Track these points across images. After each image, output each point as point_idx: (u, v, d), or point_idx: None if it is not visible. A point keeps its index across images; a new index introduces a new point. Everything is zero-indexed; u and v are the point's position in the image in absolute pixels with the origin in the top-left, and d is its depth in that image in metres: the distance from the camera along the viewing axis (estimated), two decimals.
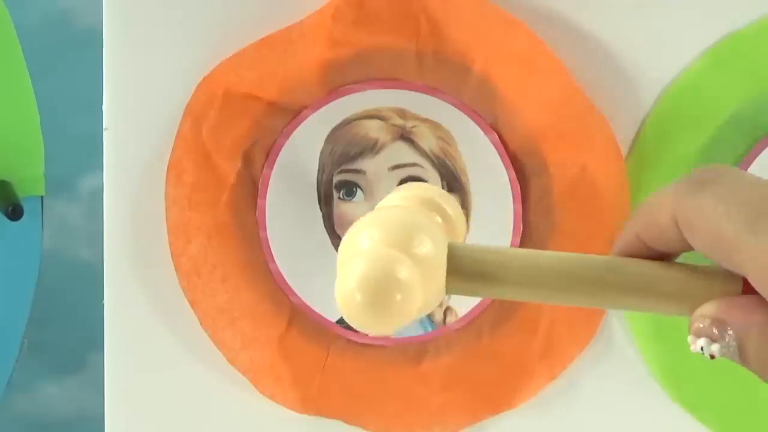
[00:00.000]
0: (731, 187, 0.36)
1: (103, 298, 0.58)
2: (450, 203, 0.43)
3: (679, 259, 0.40)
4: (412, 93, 0.56)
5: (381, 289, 0.36)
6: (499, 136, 0.56)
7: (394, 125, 0.57)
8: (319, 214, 0.57)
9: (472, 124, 0.56)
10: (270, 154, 0.57)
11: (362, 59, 0.56)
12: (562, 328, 0.57)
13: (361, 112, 0.57)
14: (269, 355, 0.57)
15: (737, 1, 0.56)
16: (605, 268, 0.39)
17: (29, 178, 0.65)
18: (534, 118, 0.56)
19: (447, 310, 0.57)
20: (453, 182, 0.57)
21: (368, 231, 0.38)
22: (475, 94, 0.56)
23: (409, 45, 0.56)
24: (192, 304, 0.57)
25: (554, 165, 0.56)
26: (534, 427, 0.59)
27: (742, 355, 0.36)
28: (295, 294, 0.57)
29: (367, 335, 0.57)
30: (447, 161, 0.57)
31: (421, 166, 0.57)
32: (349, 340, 0.58)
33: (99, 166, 0.57)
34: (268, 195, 0.57)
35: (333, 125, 0.57)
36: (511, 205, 0.57)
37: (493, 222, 0.57)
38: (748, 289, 0.37)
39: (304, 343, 0.58)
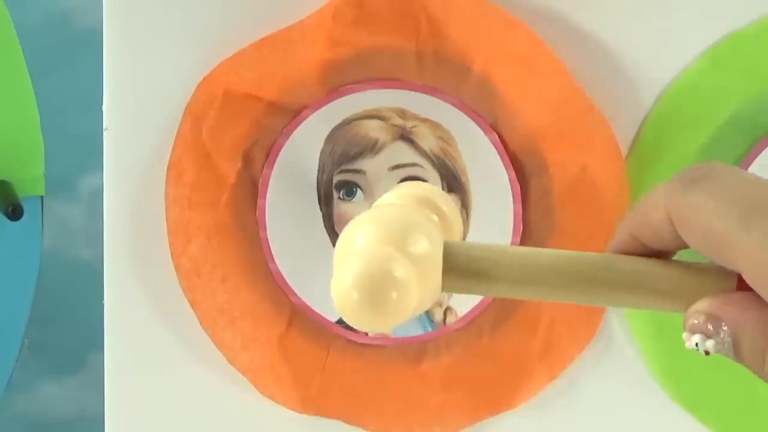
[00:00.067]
0: (723, 184, 0.36)
1: (103, 298, 0.58)
2: (446, 202, 0.43)
3: (675, 257, 0.40)
4: (412, 93, 0.56)
5: (377, 287, 0.36)
6: (499, 136, 0.56)
7: (394, 125, 0.57)
8: (319, 214, 0.57)
9: (472, 124, 0.56)
10: (270, 154, 0.57)
11: (362, 59, 0.56)
12: (562, 327, 0.57)
13: (361, 112, 0.57)
14: (269, 355, 0.57)
15: (737, 1, 0.56)
16: (600, 265, 0.39)
17: (29, 178, 0.65)
18: (534, 118, 0.56)
19: (447, 310, 0.57)
20: (453, 182, 0.57)
21: (364, 229, 0.38)
22: (475, 94, 0.56)
23: (409, 45, 0.56)
24: (192, 304, 0.57)
25: (554, 165, 0.56)
26: (534, 427, 0.59)
27: (736, 351, 0.36)
28: (295, 294, 0.57)
29: (366, 335, 0.57)
30: (447, 161, 0.57)
31: (421, 166, 0.57)
32: (349, 340, 0.58)
33: (99, 166, 0.57)
34: (268, 195, 0.57)
35: (333, 125, 0.57)
36: (511, 205, 0.57)
37: (493, 222, 0.57)
38: (742, 285, 0.37)
39: (304, 343, 0.58)
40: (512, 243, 0.57)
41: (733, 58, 0.56)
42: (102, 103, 0.57)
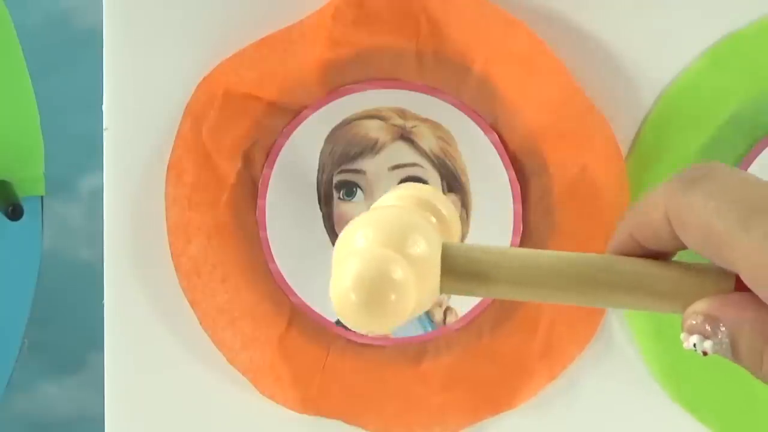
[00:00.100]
0: (722, 184, 0.36)
1: (103, 298, 0.58)
2: (444, 204, 0.43)
3: (674, 258, 0.40)
4: (412, 93, 0.56)
5: (375, 288, 0.36)
6: (499, 136, 0.56)
7: (394, 125, 0.57)
8: (319, 214, 0.57)
9: (472, 124, 0.56)
10: (270, 154, 0.57)
11: (362, 59, 0.56)
12: (562, 327, 0.57)
13: (361, 112, 0.57)
14: (269, 355, 0.57)
15: (737, 1, 0.56)
16: (598, 266, 0.39)
17: (29, 178, 0.65)
18: (534, 118, 0.56)
19: (447, 310, 0.57)
20: (453, 182, 0.57)
21: (363, 230, 0.38)
22: (475, 94, 0.56)
23: (409, 45, 0.56)
24: (192, 304, 0.57)
25: (554, 165, 0.56)
26: (534, 427, 0.59)
27: (734, 352, 0.36)
28: (295, 294, 0.57)
29: (366, 335, 0.57)
30: (447, 161, 0.57)
31: (421, 166, 0.57)
32: (348, 340, 0.58)
33: (99, 166, 0.57)
34: (268, 195, 0.57)
35: (333, 125, 0.57)
36: (511, 205, 0.57)
37: (493, 222, 0.57)
38: (740, 286, 0.37)
39: (304, 343, 0.58)
40: (512, 243, 0.57)
41: (733, 58, 0.56)
42: (102, 103, 0.57)
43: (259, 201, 0.57)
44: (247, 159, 0.57)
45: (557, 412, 0.58)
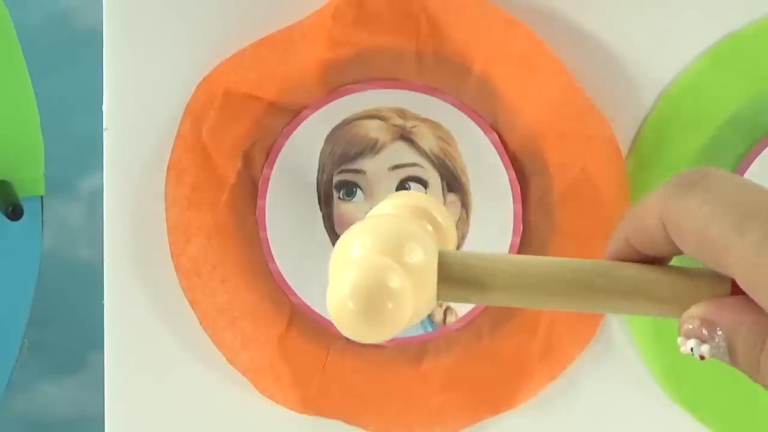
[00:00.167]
0: (717, 189, 0.36)
1: (103, 298, 0.58)
2: (441, 212, 0.44)
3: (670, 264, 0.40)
4: (412, 93, 0.56)
5: (373, 297, 0.36)
6: (499, 136, 0.56)
7: (394, 125, 0.57)
8: (319, 214, 0.57)
9: (472, 124, 0.56)
10: (270, 154, 0.57)
11: (362, 59, 0.56)
12: (561, 328, 0.57)
13: (361, 112, 0.57)
14: (269, 355, 0.57)
15: (737, 1, 0.56)
16: (595, 272, 0.39)
17: (29, 178, 0.65)
18: (534, 118, 0.56)
19: (447, 310, 0.57)
20: (453, 182, 0.57)
21: (360, 239, 0.38)
22: (475, 94, 0.56)
23: (409, 45, 0.56)
24: (192, 304, 0.57)
25: (554, 165, 0.56)
26: (534, 427, 0.59)
27: (731, 355, 0.37)
28: (295, 294, 0.57)
29: None
30: (447, 161, 0.57)
31: (421, 166, 0.57)
32: (349, 340, 0.58)
33: (99, 166, 0.57)
34: (268, 195, 0.57)
35: (333, 125, 0.57)
36: (511, 205, 0.57)
37: (493, 222, 0.57)
38: (736, 290, 0.37)
39: (304, 343, 0.58)
40: (512, 243, 0.57)
41: (733, 58, 0.56)
42: (102, 103, 0.57)
43: (259, 201, 0.57)
44: (247, 159, 0.57)
45: (557, 412, 0.58)
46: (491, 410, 0.58)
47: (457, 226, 0.57)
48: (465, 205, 0.57)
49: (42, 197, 0.66)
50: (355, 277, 0.36)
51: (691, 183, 0.37)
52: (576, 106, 0.56)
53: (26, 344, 0.67)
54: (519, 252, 0.57)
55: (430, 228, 0.43)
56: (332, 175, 0.57)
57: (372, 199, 0.57)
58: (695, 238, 0.36)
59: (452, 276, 0.39)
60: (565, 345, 0.57)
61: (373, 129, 0.57)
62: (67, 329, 1.05)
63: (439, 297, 0.39)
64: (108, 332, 0.58)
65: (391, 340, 0.58)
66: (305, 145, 0.57)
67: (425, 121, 0.56)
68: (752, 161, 0.56)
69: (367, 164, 0.57)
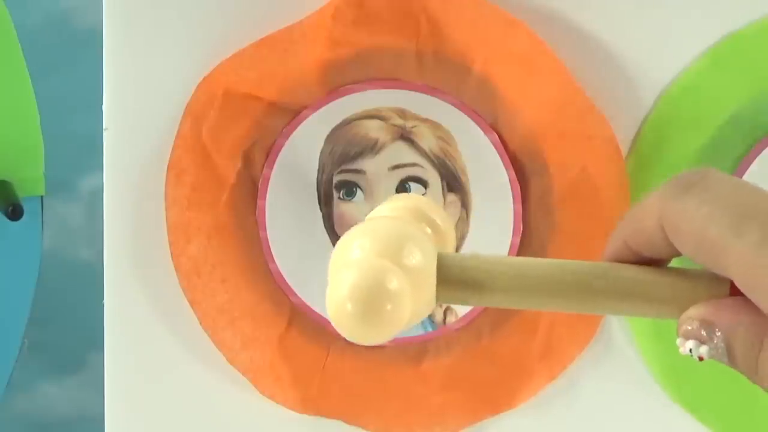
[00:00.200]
0: (715, 191, 0.36)
1: (103, 298, 0.58)
2: (439, 214, 0.44)
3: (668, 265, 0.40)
4: (412, 93, 0.56)
5: (371, 299, 0.36)
6: (499, 136, 0.56)
7: (394, 125, 0.57)
8: (319, 214, 0.57)
9: (472, 124, 0.56)
10: (270, 154, 0.57)
11: (362, 59, 0.56)
12: (561, 328, 0.57)
13: (361, 112, 0.57)
14: (269, 355, 0.57)
15: (737, 1, 0.56)
16: (593, 274, 0.39)
17: (29, 178, 0.65)
18: (534, 118, 0.56)
19: (447, 310, 0.57)
20: (453, 182, 0.57)
21: (359, 241, 0.38)
22: (475, 94, 0.56)
23: (409, 45, 0.56)
24: (192, 304, 0.57)
25: (554, 165, 0.56)
26: (534, 427, 0.59)
27: (730, 356, 0.37)
28: (295, 294, 0.57)
29: None
30: (447, 161, 0.57)
31: (421, 166, 0.57)
32: (348, 341, 0.57)
33: (99, 166, 0.57)
34: (268, 195, 0.57)
35: (333, 125, 0.57)
36: (511, 205, 0.57)
37: (493, 222, 0.57)
38: (734, 291, 0.37)
39: (304, 343, 0.58)
40: (512, 243, 0.57)
41: (733, 58, 0.56)
42: (102, 103, 0.57)
43: (259, 201, 0.57)
44: (247, 159, 0.57)
45: (557, 412, 0.58)
46: (491, 410, 0.58)
47: (457, 226, 0.57)
48: (465, 205, 0.57)
49: (42, 197, 0.66)
50: (354, 278, 0.37)
51: (689, 184, 0.37)
52: (576, 106, 0.56)
53: (26, 344, 0.67)
54: (519, 252, 0.57)
55: (429, 230, 0.43)
56: (332, 175, 0.57)
57: (372, 199, 0.57)
58: (694, 239, 0.36)
59: (451, 278, 0.39)
60: (565, 345, 0.57)
61: (373, 129, 0.57)
62: (67, 329, 1.05)
63: (438, 299, 0.39)
64: (108, 332, 0.58)
65: (392, 340, 0.58)
66: (305, 145, 0.57)
67: (425, 121, 0.56)
68: (752, 161, 0.56)
69: (367, 164, 0.57)
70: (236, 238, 0.57)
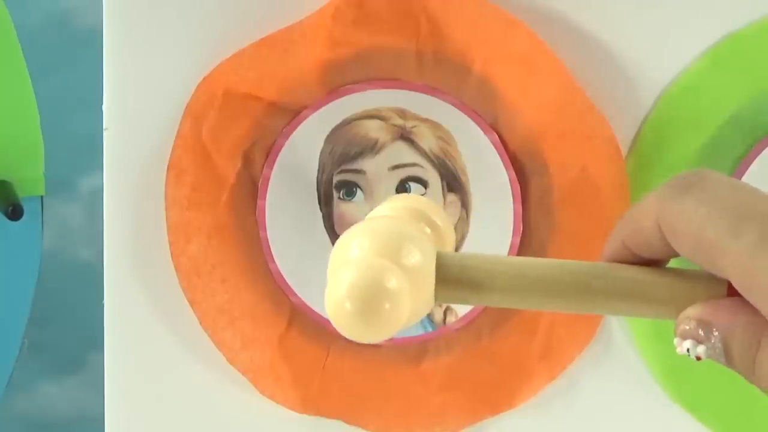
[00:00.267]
0: (713, 192, 0.37)
1: (103, 298, 0.58)
2: (439, 214, 0.44)
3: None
4: (412, 93, 0.56)
5: (370, 297, 0.36)
6: (499, 136, 0.56)
7: (394, 125, 0.57)
8: (319, 214, 0.57)
9: (472, 124, 0.56)
10: (270, 154, 0.57)
11: (362, 59, 0.56)
12: (561, 328, 0.57)
13: (361, 112, 0.57)
14: (269, 355, 0.57)
15: (737, 1, 0.56)
16: (592, 274, 0.39)
17: (29, 178, 0.65)
18: (534, 118, 0.56)
19: (447, 310, 0.57)
20: (453, 182, 0.57)
21: (358, 240, 0.38)
22: (475, 94, 0.56)
23: (409, 45, 0.56)
24: (192, 304, 0.57)
25: (554, 165, 0.56)
26: (534, 427, 0.59)
27: (727, 356, 0.37)
28: (295, 294, 0.57)
29: None
30: (447, 161, 0.57)
31: (421, 166, 0.57)
32: (348, 340, 0.57)
33: (99, 166, 0.57)
34: (268, 195, 0.57)
35: (333, 125, 0.57)
36: (511, 205, 0.57)
37: (493, 222, 0.57)
38: (732, 291, 0.37)
39: (304, 343, 0.58)
40: (512, 243, 0.57)
41: (733, 58, 0.56)
42: (102, 103, 0.57)
43: (259, 201, 0.57)
44: (247, 159, 0.57)
45: (557, 412, 0.58)
46: (491, 410, 0.58)
47: (457, 226, 0.57)
48: (465, 205, 0.57)
49: (42, 197, 0.66)
50: (352, 277, 0.37)
51: (687, 185, 0.37)
52: (576, 106, 0.56)
53: (26, 344, 0.67)
54: (519, 252, 0.57)
55: (428, 230, 0.43)
56: (332, 175, 0.57)
57: (372, 199, 0.57)
58: (691, 240, 0.36)
59: (450, 277, 0.39)
60: (565, 345, 0.57)
61: (373, 129, 0.57)
62: (67, 329, 1.05)
63: (437, 298, 0.39)
64: (108, 332, 0.58)
65: (391, 340, 0.58)
66: (305, 145, 0.57)
67: (425, 121, 0.56)
68: (752, 161, 0.56)
69: (367, 164, 0.57)
70: (236, 238, 0.57)
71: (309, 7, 0.56)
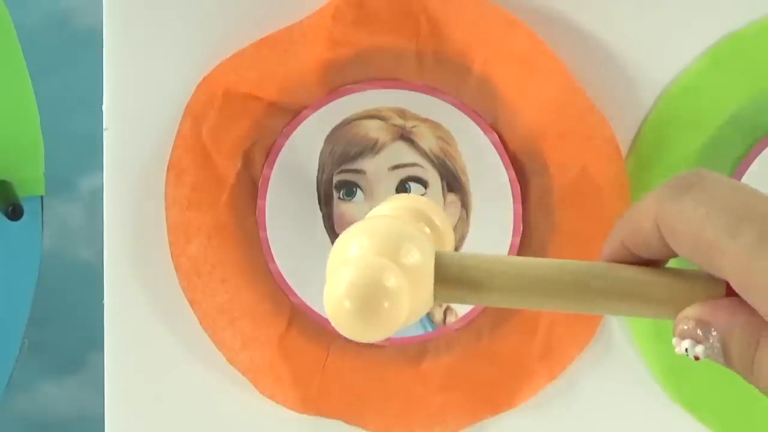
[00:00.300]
0: (712, 192, 0.37)
1: (103, 298, 0.58)
2: (438, 214, 0.44)
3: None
4: (412, 93, 0.56)
5: (369, 296, 0.37)
6: (499, 136, 0.56)
7: (394, 125, 0.57)
8: (319, 214, 0.57)
9: (472, 124, 0.56)
10: (270, 154, 0.57)
11: (362, 59, 0.56)
12: (561, 328, 0.57)
13: (361, 112, 0.57)
14: (269, 355, 0.57)
15: (737, 1, 0.56)
16: (591, 274, 0.39)
17: (29, 178, 0.65)
18: (534, 118, 0.56)
19: (447, 310, 0.57)
20: (453, 182, 0.57)
21: (357, 240, 0.38)
22: (475, 94, 0.56)
23: (409, 45, 0.56)
24: (192, 304, 0.57)
25: (554, 165, 0.56)
26: (534, 427, 0.59)
27: (726, 356, 0.37)
28: (295, 294, 0.57)
29: None
30: (447, 161, 0.57)
31: (421, 166, 0.57)
32: (349, 340, 0.57)
33: (99, 166, 0.57)
34: (268, 195, 0.57)
35: (333, 125, 0.57)
36: (511, 205, 0.57)
37: (493, 222, 0.57)
38: (731, 291, 0.37)
39: (304, 343, 0.58)
40: (512, 243, 0.57)
41: (733, 58, 0.56)
42: (102, 103, 0.57)
43: (259, 201, 0.57)
44: (247, 159, 0.57)
45: (557, 412, 0.58)
46: (491, 410, 0.58)
47: (457, 226, 0.57)
48: (465, 205, 0.57)
49: (42, 197, 0.66)
50: (351, 276, 0.37)
51: (686, 185, 0.37)
52: (576, 106, 0.56)
53: (26, 344, 0.67)
54: (519, 252, 0.57)
55: (427, 230, 0.43)
56: (332, 175, 0.57)
57: (372, 199, 0.57)
58: (690, 240, 0.37)
59: (449, 277, 0.39)
60: (565, 345, 0.57)
61: (373, 129, 0.57)
62: (67, 329, 1.05)
63: (436, 298, 0.39)
64: (108, 332, 0.58)
65: (391, 340, 0.58)
66: (305, 145, 0.57)
67: (425, 121, 0.56)
68: (752, 161, 0.56)
69: (367, 164, 0.57)
70: (236, 238, 0.57)
71: (309, 7, 0.56)
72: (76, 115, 0.90)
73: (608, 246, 0.40)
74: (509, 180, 0.56)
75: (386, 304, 0.37)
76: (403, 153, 0.57)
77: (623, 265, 0.39)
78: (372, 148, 0.57)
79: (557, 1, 0.56)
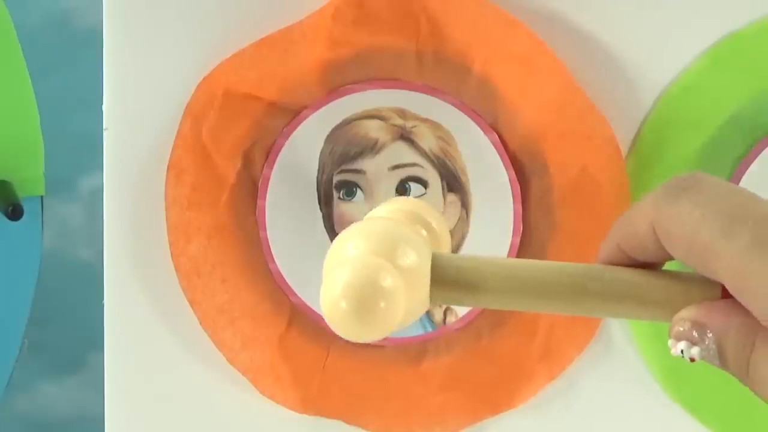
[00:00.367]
0: (708, 194, 0.37)
1: (103, 298, 0.58)
2: (435, 217, 0.44)
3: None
4: (412, 93, 0.56)
5: (365, 296, 0.37)
6: (499, 136, 0.56)
7: (394, 125, 0.57)
8: (319, 214, 0.57)
9: (472, 124, 0.56)
10: (270, 154, 0.57)
11: (362, 59, 0.56)
12: (561, 329, 0.57)
13: (361, 112, 0.57)
14: (269, 355, 0.57)
15: (737, 1, 0.56)
16: (588, 276, 0.39)
17: (29, 178, 0.65)
18: (534, 118, 0.56)
19: (447, 311, 0.57)
20: (453, 182, 0.57)
21: (354, 241, 0.39)
22: (475, 94, 0.56)
23: (409, 45, 0.56)
24: (192, 304, 0.57)
25: (554, 165, 0.56)
26: (534, 427, 0.59)
27: (721, 358, 0.37)
28: (295, 294, 0.57)
29: None
30: (447, 161, 0.57)
31: (421, 166, 0.57)
32: (348, 340, 0.57)
33: (99, 166, 0.57)
34: (268, 195, 0.57)
35: (333, 125, 0.57)
36: (511, 205, 0.57)
37: (493, 222, 0.57)
38: (726, 293, 0.37)
39: (304, 343, 0.58)
40: (512, 243, 0.57)
41: (733, 58, 0.56)
42: (102, 103, 0.57)
43: (259, 201, 0.57)
44: (247, 159, 0.57)
45: (557, 412, 0.58)
46: (491, 410, 0.58)
47: (457, 226, 0.57)
48: (465, 205, 0.57)
49: (42, 197, 0.66)
50: (347, 276, 0.37)
51: (682, 188, 0.37)
52: (576, 106, 0.56)
53: (26, 344, 0.67)
54: (519, 252, 0.57)
55: (424, 233, 0.43)
56: (332, 175, 0.57)
57: (372, 199, 0.57)
58: (685, 243, 0.37)
59: (445, 278, 0.39)
60: (565, 346, 0.57)
61: (373, 129, 0.57)
62: (67, 329, 1.05)
63: (432, 299, 0.39)
64: (108, 332, 0.58)
65: (391, 340, 0.58)
66: (305, 145, 0.57)
67: (425, 121, 0.56)
68: (752, 161, 0.56)
69: (367, 164, 0.57)
70: (236, 238, 0.57)
71: (309, 7, 0.56)
72: (76, 115, 0.90)
73: (604, 249, 0.40)
74: (509, 180, 0.56)
75: (382, 305, 0.37)
76: (403, 153, 0.57)
77: (620, 268, 0.40)
78: (372, 148, 0.57)
79: (557, 1, 0.56)
